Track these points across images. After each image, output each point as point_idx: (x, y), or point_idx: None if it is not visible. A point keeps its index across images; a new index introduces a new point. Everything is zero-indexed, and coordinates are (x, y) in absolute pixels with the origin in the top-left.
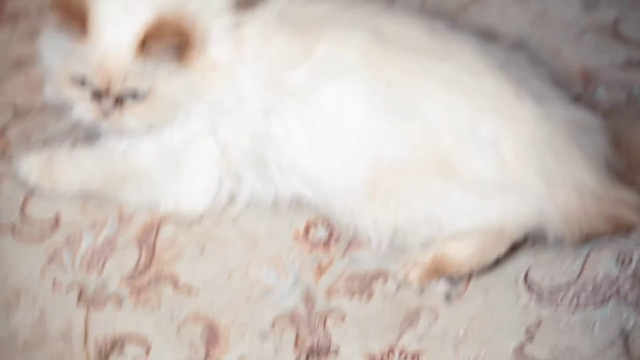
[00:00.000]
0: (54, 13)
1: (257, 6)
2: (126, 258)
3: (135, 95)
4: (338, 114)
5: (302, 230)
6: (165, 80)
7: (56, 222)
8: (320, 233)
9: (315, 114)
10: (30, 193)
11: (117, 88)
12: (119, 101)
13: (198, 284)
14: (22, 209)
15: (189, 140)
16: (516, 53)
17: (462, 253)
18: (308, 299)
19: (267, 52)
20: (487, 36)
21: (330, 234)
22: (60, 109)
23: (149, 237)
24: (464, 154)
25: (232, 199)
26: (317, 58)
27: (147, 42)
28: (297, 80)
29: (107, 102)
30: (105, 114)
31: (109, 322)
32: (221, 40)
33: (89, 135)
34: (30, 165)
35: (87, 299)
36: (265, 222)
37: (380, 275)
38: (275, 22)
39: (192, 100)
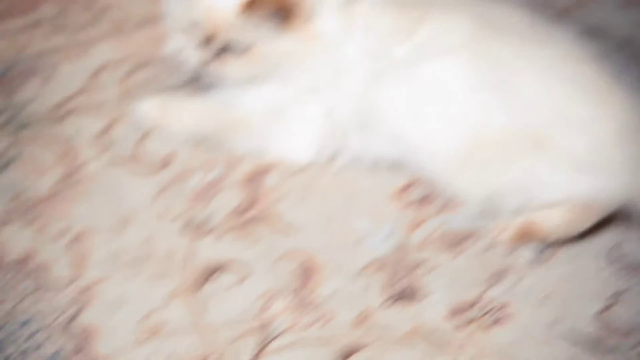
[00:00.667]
0: None
1: None
2: (231, 197)
3: (236, 48)
4: (440, 88)
5: (400, 189)
6: (265, 39)
7: (169, 160)
8: (417, 193)
9: (418, 86)
10: (146, 133)
11: (220, 38)
12: (222, 51)
13: (297, 225)
14: (138, 146)
15: (293, 98)
16: (615, 50)
17: (551, 221)
18: (400, 249)
19: (375, 28)
20: (592, 34)
21: (427, 195)
22: (179, 62)
23: (254, 181)
24: (557, 132)
25: (335, 155)
26: (423, 35)
27: (253, 2)
28: (402, 55)
29: (210, 50)
30: (207, 61)
31: (210, 250)
32: (331, 13)
33: (204, 88)
34: (148, 108)
35: (191, 228)
36: (365, 178)
37: (471, 235)
38: (384, 1)
39: (290, 65)
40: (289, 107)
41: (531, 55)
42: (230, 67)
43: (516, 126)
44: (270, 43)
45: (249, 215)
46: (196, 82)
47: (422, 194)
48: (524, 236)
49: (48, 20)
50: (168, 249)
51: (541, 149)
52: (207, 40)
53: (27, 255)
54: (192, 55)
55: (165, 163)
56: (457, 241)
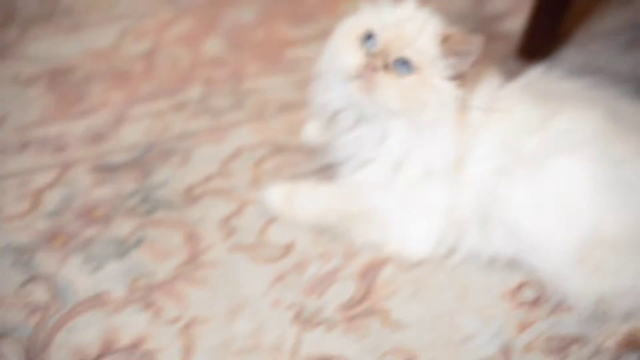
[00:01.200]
0: None
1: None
2: (345, 289)
3: (402, 67)
4: (564, 184)
5: (512, 289)
6: (436, 72)
7: (289, 248)
8: (529, 294)
9: (543, 181)
10: (271, 219)
11: (395, 52)
12: (386, 67)
13: (406, 322)
14: (261, 233)
15: (422, 186)
16: None
17: None
18: (506, 351)
19: (508, 119)
20: None
21: (539, 296)
22: (313, 151)
23: (369, 274)
24: None
25: (452, 249)
26: (554, 129)
27: (452, 36)
28: (531, 148)
29: (379, 59)
30: (370, 69)
31: (318, 342)
32: (484, 94)
33: (333, 176)
34: (275, 195)
35: (302, 319)
36: (479, 275)
37: (579, 340)
38: (521, 91)
39: (439, 119)
40: (415, 198)
41: None
42: (387, 84)
43: (634, 227)
44: (438, 78)
45: (360, 309)
46: (326, 170)
47: (534, 295)
48: (631, 344)
49: (192, 103)
50: (277, 339)
51: None
52: (382, 50)
53: (140, 340)
54: (353, 58)
55: (285, 251)
56: (563, 346)
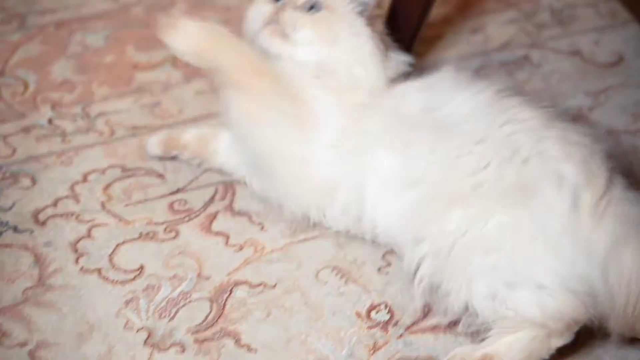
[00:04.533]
0: None
1: None
2: (197, 312)
3: (311, 9)
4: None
5: (365, 310)
6: (345, 6)
7: (140, 271)
8: (382, 315)
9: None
10: (121, 242)
11: None
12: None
13: (258, 344)
14: (111, 256)
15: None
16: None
17: (510, 354)
18: None
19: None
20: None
21: (391, 318)
22: (163, 176)
23: (221, 297)
24: (545, 185)
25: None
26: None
27: None
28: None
29: (288, 5)
30: (280, 12)
31: None
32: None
33: (183, 200)
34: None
35: (153, 342)
36: (333, 297)
37: None
38: None
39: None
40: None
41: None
42: (300, 23)
43: None
44: (347, 12)
45: (211, 332)
46: (177, 194)
47: (386, 317)
48: None
49: (40, 126)
50: None
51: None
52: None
53: None
54: (263, 6)
55: (136, 274)
56: None
